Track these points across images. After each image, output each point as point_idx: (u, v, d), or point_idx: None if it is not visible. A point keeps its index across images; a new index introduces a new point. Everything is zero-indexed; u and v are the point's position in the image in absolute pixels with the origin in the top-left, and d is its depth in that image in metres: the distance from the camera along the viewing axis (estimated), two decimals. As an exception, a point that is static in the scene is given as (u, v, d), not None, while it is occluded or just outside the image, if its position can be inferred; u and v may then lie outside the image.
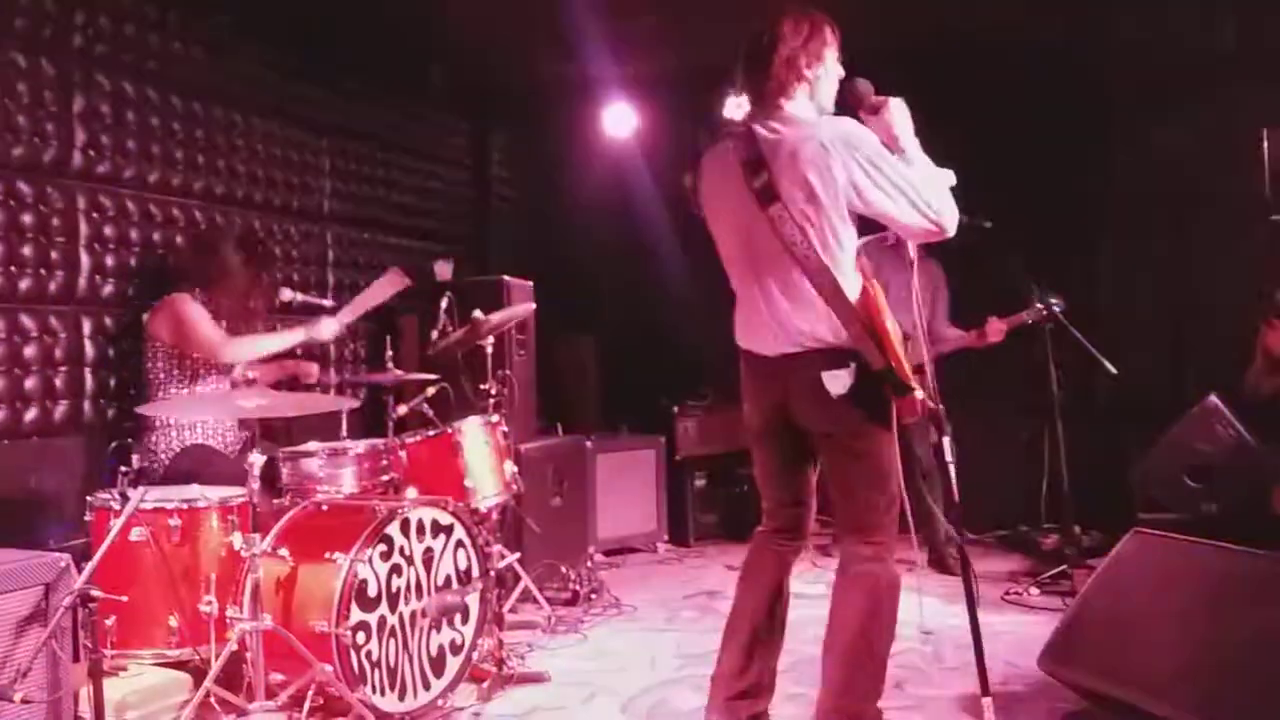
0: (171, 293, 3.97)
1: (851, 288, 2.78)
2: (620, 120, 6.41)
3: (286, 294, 4.39)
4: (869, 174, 2.69)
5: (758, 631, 3.12)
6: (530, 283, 5.47)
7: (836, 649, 2.94)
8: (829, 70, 2.89)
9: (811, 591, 4.93)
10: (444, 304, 4.26)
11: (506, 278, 5.29)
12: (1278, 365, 4.38)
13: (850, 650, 2.90)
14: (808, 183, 2.71)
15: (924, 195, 2.70)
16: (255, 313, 4.19)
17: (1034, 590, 4.61)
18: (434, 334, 4.28)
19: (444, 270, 5.79)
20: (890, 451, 2.85)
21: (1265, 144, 4.99)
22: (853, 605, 2.94)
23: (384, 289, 4.25)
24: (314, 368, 4.53)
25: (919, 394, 2.77)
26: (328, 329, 4.18)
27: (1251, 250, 5.03)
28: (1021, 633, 4.06)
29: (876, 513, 2.90)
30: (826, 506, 4.88)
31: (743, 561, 3.26)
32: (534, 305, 5.15)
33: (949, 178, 2.79)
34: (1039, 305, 4.66)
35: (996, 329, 4.82)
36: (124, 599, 2.95)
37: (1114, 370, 4.65)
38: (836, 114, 2.86)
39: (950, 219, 2.73)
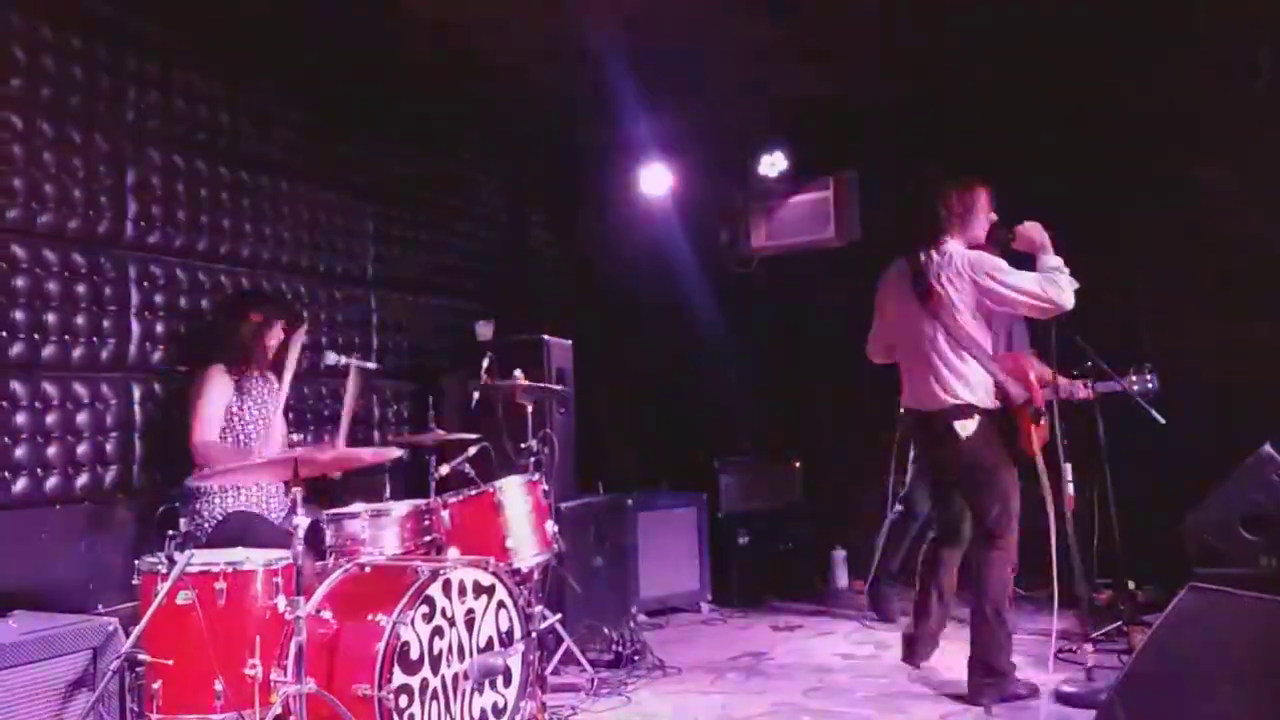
0: (209, 364, 4.04)
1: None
2: (656, 179, 6.49)
3: (331, 358, 4.45)
4: (993, 283, 3.97)
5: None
6: (570, 341, 5.50)
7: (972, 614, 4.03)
8: (977, 220, 4.18)
9: (860, 652, 4.87)
10: (485, 364, 4.30)
11: (547, 337, 5.33)
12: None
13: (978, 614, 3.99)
14: (952, 291, 4.04)
15: (1039, 289, 3.90)
16: (282, 364, 4.19)
17: (1088, 648, 4.49)
18: (475, 395, 4.32)
19: (485, 330, 5.86)
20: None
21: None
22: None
23: (354, 388, 4.16)
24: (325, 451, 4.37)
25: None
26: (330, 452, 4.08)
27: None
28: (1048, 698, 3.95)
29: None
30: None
31: None
32: (570, 387, 5.12)
33: (1059, 265, 3.94)
34: (1133, 378, 4.60)
35: (1081, 391, 4.70)
36: (170, 663, 2.96)
37: (1161, 420, 4.56)
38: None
39: (1065, 298, 3.87)
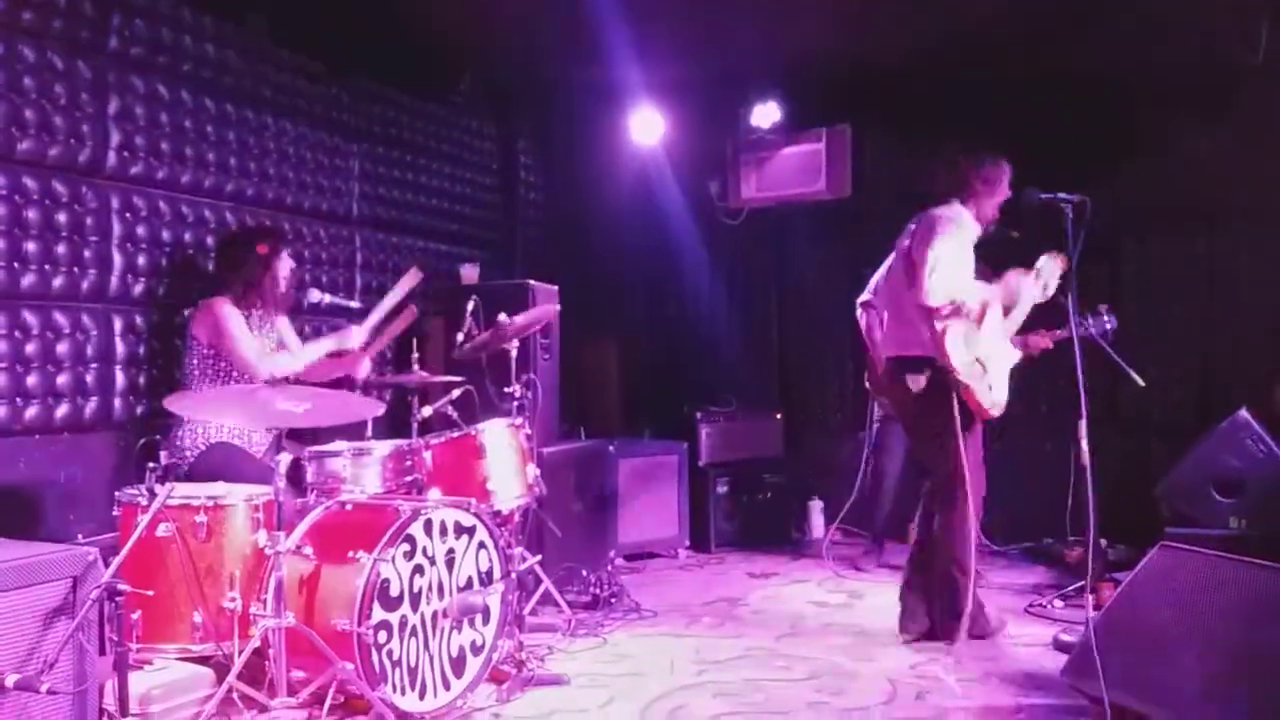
0: (212, 296, 4.02)
1: None
2: (647, 126, 6.43)
3: (315, 295, 4.43)
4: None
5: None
6: (556, 287, 5.49)
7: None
8: (995, 194, 4.13)
9: (832, 600, 4.94)
10: (470, 307, 4.28)
11: (532, 282, 5.31)
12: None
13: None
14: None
15: (927, 275, 3.85)
16: (288, 299, 4.29)
17: (1058, 603, 4.58)
18: (459, 336, 4.31)
19: (470, 274, 5.83)
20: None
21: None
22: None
23: (403, 287, 4.37)
24: (365, 362, 4.43)
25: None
26: (356, 336, 4.25)
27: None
28: (1045, 644, 4.03)
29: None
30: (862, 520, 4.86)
31: None
32: (558, 308, 5.18)
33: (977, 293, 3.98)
34: (1089, 321, 4.62)
35: (1038, 341, 4.75)
36: (150, 593, 2.99)
37: (1142, 382, 4.60)
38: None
39: (932, 297, 3.85)
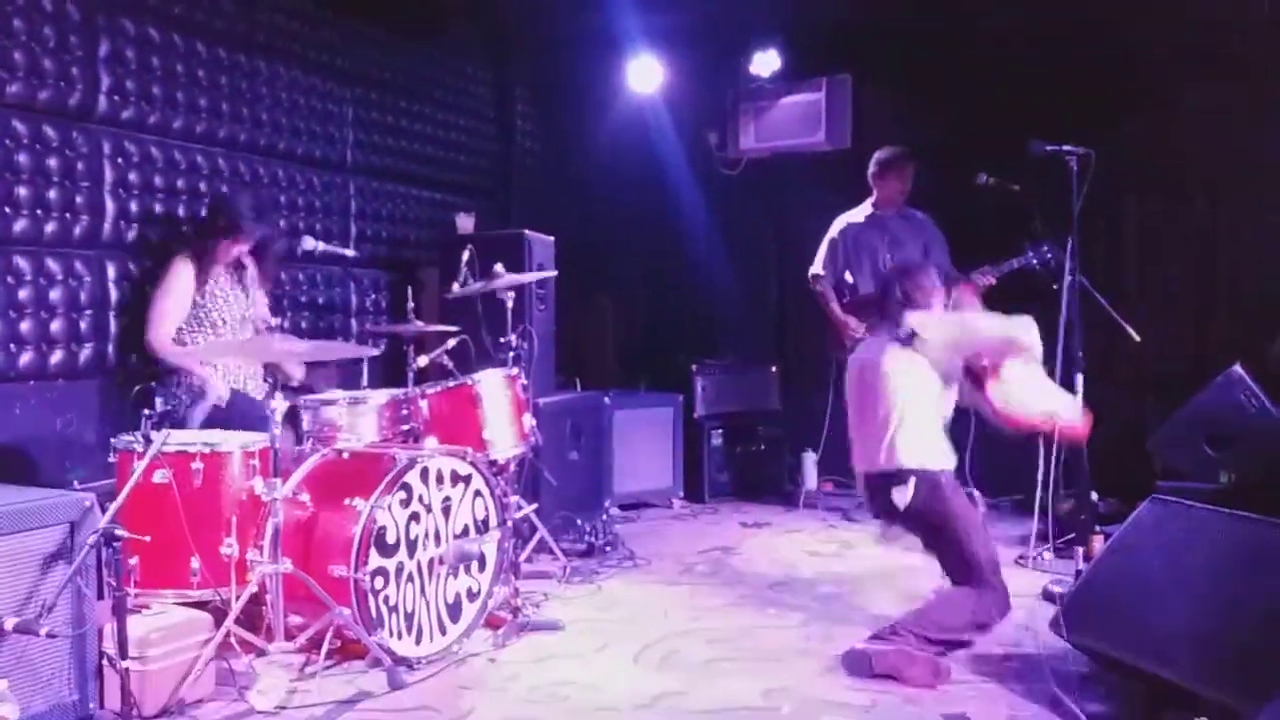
0: (182, 259, 4.02)
1: None
2: (645, 74, 6.35)
3: (309, 243, 4.39)
4: None
5: None
6: (552, 238, 5.46)
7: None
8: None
9: (824, 549, 4.99)
10: (465, 257, 4.26)
11: (528, 232, 5.28)
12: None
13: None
14: None
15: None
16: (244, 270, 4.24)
17: (1048, 555, 4.62)
18: (455, 286, 4.30)
19: (466, 223, 5.80)
20: None
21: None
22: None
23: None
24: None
25: None
26: (213, 393, 3.95)
27: (1278, 219, 4.95)
28: (1034, 595, 4.07)
29: None
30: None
31: None
32: (555, 273, 5.16)
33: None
34: (1030, 253, 4.72)
35: (981, 278, 4.84)
36: (147, 539, 3.00)
37: (1137, 336, 4.61)
38: None
39: None
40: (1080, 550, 4.13)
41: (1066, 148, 4.16)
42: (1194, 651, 2.82)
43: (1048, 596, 3.99)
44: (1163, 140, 5.33)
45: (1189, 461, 4.55)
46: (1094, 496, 4.57)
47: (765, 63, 6.20)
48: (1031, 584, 4.21)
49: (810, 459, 6.38)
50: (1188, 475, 4.51)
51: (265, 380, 4.02)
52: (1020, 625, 3.71)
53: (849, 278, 5.54)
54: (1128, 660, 3.02)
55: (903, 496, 3.49)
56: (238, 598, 3.17)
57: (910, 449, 3.52)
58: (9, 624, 2.54)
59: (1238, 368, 4.48)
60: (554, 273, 5.16)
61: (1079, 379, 4.25)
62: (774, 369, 6.38)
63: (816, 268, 5.62)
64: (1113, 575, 3.28)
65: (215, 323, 4.04)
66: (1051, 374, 4.16)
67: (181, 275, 3.99)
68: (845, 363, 5.33)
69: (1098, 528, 4.35)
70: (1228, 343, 4.95)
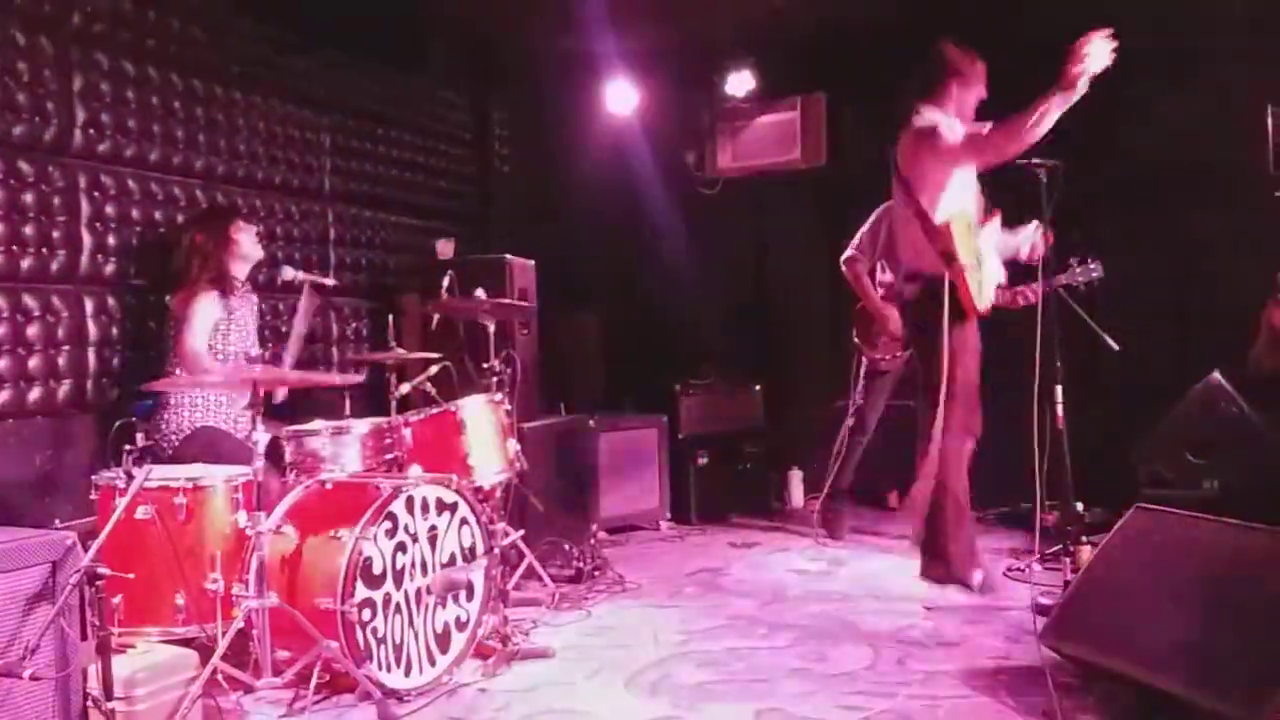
0: (192, 285, 3.99)
1: None
2: (622, 97, 6.38)
3: (289, 273, 4.39)
4: None
5: None
6: (532, 261, 5.46)
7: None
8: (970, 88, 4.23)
9: (813, 568, 4.98)
10: (445, 283, 4.25)
11: (509, 256, 5.28)
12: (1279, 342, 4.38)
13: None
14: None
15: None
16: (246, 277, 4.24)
17: (1036, 566, 4.63)
18: (435, 315, 4.29)
19: (446, 249, 5.79)
20: None
21: (1269, 120, 4.96)
22: None
23: (306, 305, 4.26)
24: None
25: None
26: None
27: (1255, 226, 5.00)
28: (1023, 607, 4.07)
29: None
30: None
31: None
32: (534, 304, 5.17)
33: None
34: (1078, 269, 4.63)
35: (1024, 293, 4.76)
36: (130, 576, 2.96)
37: (1116, 346, 4.64)
38: None
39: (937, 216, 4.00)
40: (1067, 561, 4.14)
41: (1035, 160, 4.20)
42: (1182, 659, 2.83)
43: (1037, 609, 4.00)
44: (1139, 148, 5.38)
45: (1172, 470, 4.58)
46: (1079, 507, 4.59)
47: (740, 83, 6.24)
48: (1021, 595, 4.22)
49: (796, 477, 6.39)
50: (1171, 483, 4.53)
51: (247, 410, 3.99)
52: (1010, 637, 3.72)
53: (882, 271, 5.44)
54: (1117, 669, 3.03)
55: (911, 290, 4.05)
56: (224, 634, 3.13)
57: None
58: (-9, 668, 2.50)
59: (1217, 374, 4.51)
60: (533, 304, 5.16)
61: (1058, 390, 4.28)
62: (758, 387, 6.39)
63: (852, 250, 5.49)
64: (1100, 585, 3.29)
65: (229, 355, 4.01)
66: (1030, 385, 4.22)
67: (202, 307, 3.96)
68: (871, 358, 5.39)
69: (1084, 538, 4.36)
70: (1208, 350, 4.98)
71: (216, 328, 4.00)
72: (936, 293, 4.04)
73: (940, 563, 4.15)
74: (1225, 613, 2.84)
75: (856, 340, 5.47)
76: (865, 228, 5.44)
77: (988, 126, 4.02)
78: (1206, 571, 3.00)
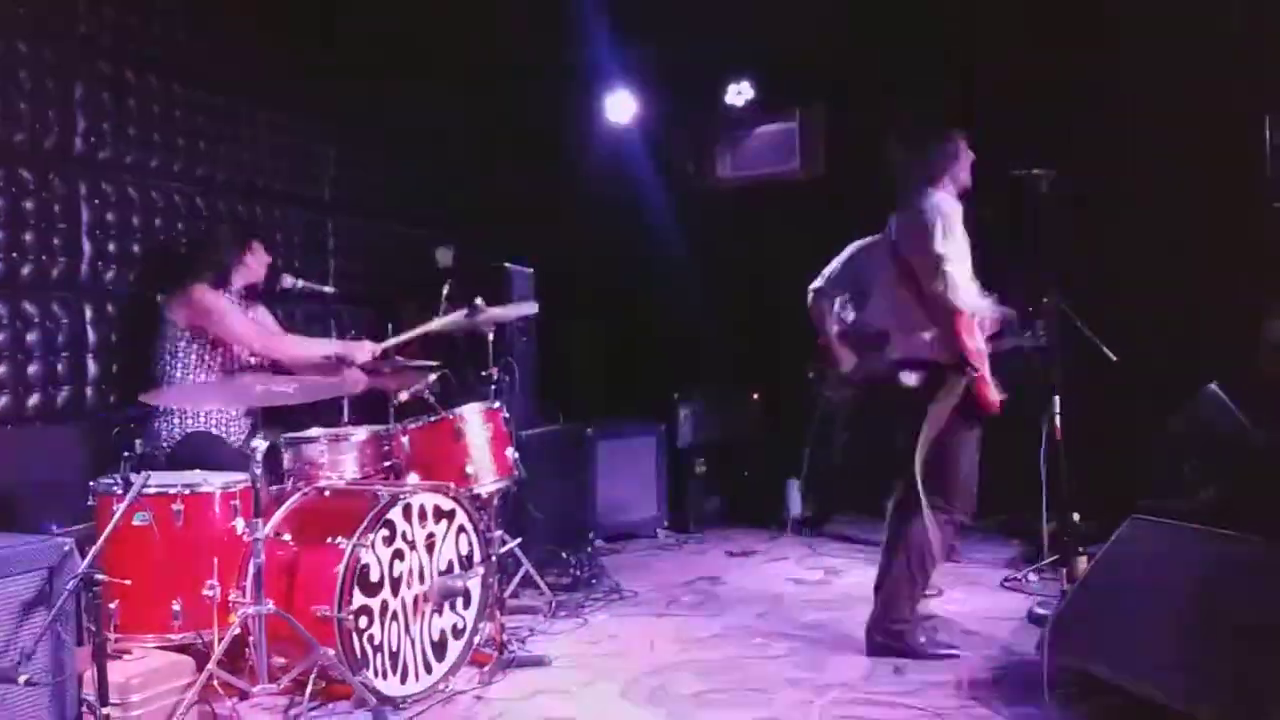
0: (191, 283, 3.98)
1: None
2: (622, 106, 6.40)
3: (288, 281, 4.39)
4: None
5: None
6: (531, 270, 5.47)
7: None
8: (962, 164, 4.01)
9: (811, 577, 4.98)
10: (445, 291, 4.26)
11: (508, 264, 5.29)
12: (1278, 351, 4.39)
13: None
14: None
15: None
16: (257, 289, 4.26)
17: (1032, 576, 4.63)
18: (436, 321, 4.29)
19: (445, 257, 5.80)
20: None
21: (1267, 130, 4.98)
22: None
23: (450, 318, 4.15)
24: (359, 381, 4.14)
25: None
26: (362, 352, 4.08)
27: (1254, 236, 5.02)
28: (1020, 618, 4.08)
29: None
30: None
31: None
32: (536, 307, 5.16)
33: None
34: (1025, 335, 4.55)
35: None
36: (127, 583, 2.97)
37: (1114, 357, 4.65)
38: None
39: (963, 304, 3.74)
40: (1064, 571, 4.14)
41: (1035, 170, 4.21)
42: (1178, 670, 2.83)
43: (1033, 618, 4.00)
44: (1138, 155, 5.40)
45: (1169, 480, 4.58)
46: (1076, 517, 4.60)
47: (739, 93, 6.26)
48: (1017, 606, 4.22)
49: (794, 486, 6.39)
50: (1168, 494, 4.53)
51: (245, 418, 4.00)
52: (1006, 648, 3.72)
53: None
54: (1114, 680, 3.03)
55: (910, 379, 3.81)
56: (220, 640, 3.13)
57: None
58: (-13, 673, 2.50)
59: (1213, 386, 4.52)
60: (534, 308, 5.16)
61: (1055, 401, 4.29)
62: (755, 396, 6.40)
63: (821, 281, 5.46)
64: (1097, 595, 3.30)
65: (211, 364, 3.98)
66: (1028, 394, 4.21)
67: (215, 296, 3.97)
68: (832, 385, 5.37)
69: (1081, 548, 4.36)
70: (1206, 361, 4.99)
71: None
72: (950, 387, 3.78)
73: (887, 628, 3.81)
74: (1220, 624, 2.85)
75: (809, 372, 5.50)
76: (838, 261, 5.45)
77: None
78: (1202, 583, 3.01)
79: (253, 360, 4.05)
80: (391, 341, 4.17)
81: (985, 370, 3.79)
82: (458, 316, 4.09)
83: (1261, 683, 2.63)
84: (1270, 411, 4.35)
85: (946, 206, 3.95)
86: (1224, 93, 5.10)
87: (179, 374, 3.94)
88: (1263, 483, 4.20)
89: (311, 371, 4.08)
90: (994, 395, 3.85)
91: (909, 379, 3.88)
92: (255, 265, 4.19)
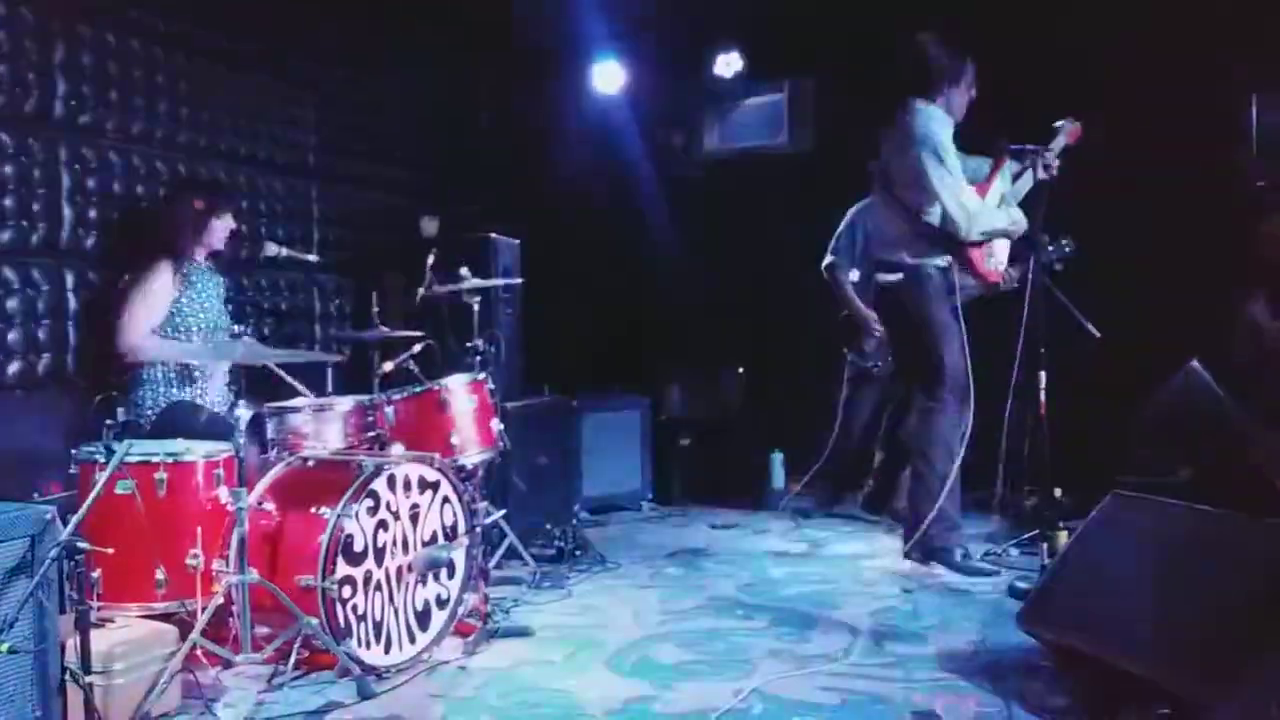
0: (159, 259, 3.94)
1: None
2: (609, 76, 6.36)
3: (271, 249, 4.35)
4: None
5: None
6: (518, 241, 5.44)
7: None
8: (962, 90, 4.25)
9: (793, 550, 5.01)
10: (430, 261, 4.24)
11: (494, 235, 5.26)
12: (1255, 333, 4.42)
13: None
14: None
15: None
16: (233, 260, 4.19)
17: (1013, 551, 4.67)
18: (420, 291, 4.28)
19: (430, 226, 5.77)
20: None
21: (1254, 110, 4.98)
22: None
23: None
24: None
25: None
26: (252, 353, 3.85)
27: (1237, 215, 5.03)
28: (1001, 591, 4.12)
29: None
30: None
31: None
32: (520, 280, 5.16)
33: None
34: (1050, 247, 4.60)
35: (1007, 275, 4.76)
36: (110, 551, 2.95)
37: (1097, 333, 4.67)
38: None
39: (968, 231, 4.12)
40: (1044, 546, 4.17)
41: (1029, 146, 4.21)
42: (1157, 644, 2.86)
43: (1013, 592, 4.04)
44: (1123, 136, 5.40)
45: (1149, 456, 4.62)
46: (1057, 492, 4.64)
47: (728, 64, 6.22)
48: (998, 579, 4.26)
49: (778, 459, 6.42)
50: (1148, 469, 4.57)
51: (229, 388, 3.98)
52: (987, 621, 3.76)
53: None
54: (1092, 653, 3.06)
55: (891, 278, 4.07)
56: (204, 609, 3.12)
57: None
58: (-32, 641, 2.49)
59: (1195, 363, 4.55)
60: (519, 280, 5.15)
61: (1042, 376, 4.31)
62: (741, 370, 6.41)
63: (831, 256, 5.53)
64: (1076, 570, 3.33)
65: (190, 329, 3.96)
66: (1014, 370, 4.25)
67: (161, 275, 3.91)
68: (865, 371, 5.39)
69: (1061, 523, 4.40)
70: (1188, 339, 5.02)
71: (174, 302, 3.94)
72: (921, 281, 4.06)
73: (920, 539, 4.19)
74: (1199, 598, 2.88)
75: (845, 350, 5.50)
76: (841, 229, 5.48)
77: None
78: (1181, 557, 3.04)
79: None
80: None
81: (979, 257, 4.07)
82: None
83: (1237, 656, 2.66)
84: (1250, 389, 4.39)
85: (935, 125, 3.97)
86: (1211, 70, 5.10)
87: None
88: (1242, 459, 4.25)
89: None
90: (987, 264, 4.17)
91: (889, 277, 4.14)
92: (218, 232, 4.12)
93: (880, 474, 5.30)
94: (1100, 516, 3.37)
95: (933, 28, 4.40)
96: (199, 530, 3.27)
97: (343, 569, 3.16)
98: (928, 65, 4.10)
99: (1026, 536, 4.73)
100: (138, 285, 3.89)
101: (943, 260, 4.24)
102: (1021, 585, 4.03)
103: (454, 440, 3.87)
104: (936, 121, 4.06)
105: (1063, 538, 4.14)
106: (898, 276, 4.22)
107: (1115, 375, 5.24)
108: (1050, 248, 4.58)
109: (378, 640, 3.27)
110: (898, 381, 5.14)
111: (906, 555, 4.21)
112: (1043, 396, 4.32)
